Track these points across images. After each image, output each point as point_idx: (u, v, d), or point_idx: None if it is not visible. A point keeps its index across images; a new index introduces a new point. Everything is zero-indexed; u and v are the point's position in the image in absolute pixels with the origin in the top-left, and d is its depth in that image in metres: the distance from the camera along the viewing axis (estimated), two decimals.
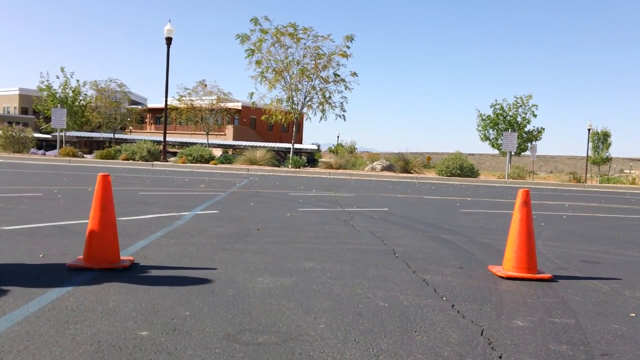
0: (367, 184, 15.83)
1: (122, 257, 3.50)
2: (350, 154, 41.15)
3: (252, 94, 25.55)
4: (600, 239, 5.92)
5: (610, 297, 3.25)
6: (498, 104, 31.48)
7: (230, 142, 47.67)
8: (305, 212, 7.15)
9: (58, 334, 2.19)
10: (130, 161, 22.93)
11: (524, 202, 3.65)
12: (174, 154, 31.78)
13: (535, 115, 31.00)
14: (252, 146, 30.14)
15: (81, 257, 3.42)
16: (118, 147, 27.05)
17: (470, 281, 3.49)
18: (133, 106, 49.76)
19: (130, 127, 57.09)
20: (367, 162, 26.82)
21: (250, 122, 57.23)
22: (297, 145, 35.51)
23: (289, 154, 26.33)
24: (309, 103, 25.94)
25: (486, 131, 32.24)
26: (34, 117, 58.15)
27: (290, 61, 25.11)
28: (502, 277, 3.61)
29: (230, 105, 44.86)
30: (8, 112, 67.47)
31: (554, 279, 3.66)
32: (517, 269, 3.62)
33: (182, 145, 41.22)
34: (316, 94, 25.73)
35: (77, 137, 44.34)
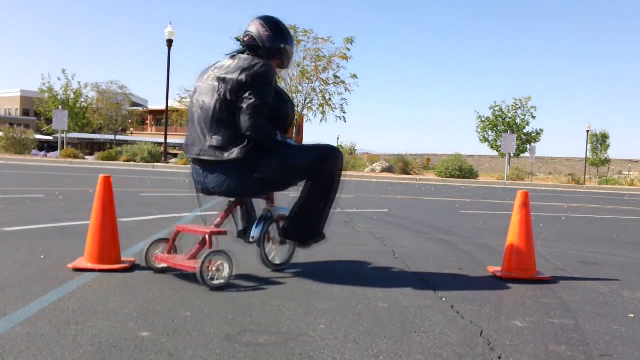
0: (367, 185, 15.84)
1: (123, 258, 3.51)
2: (350, 155, 41.21)
3: None
4: (599, 240, 5.93)
5: (609, 298, 3.27)
6: (497, 106, 31.57)
7: None
8: None
9: (59, 334, 2.20)
10: (132, 163, 22.96)
11: (523, 203, 3.66)
12: (175, 155, 31.80)
13: (534, 117, 31.10)
14: None
15: (82, 258, 3.44)
16: (119, 148, 27.09)
17: (469, 282, 3.51)
18: (134, 108, 49.87)
19: (131, 129, 57.15)
20: (367, 164, 26.87)
21: None
22: None
23: None
24: (309, 105, 25.97)
25: (485, 133, 32.31)
26: (35, 118, 58.22)
27: None
28: (501, 278, 3.62)
29: None
30: (9, 114, 67.56)
31: (553, 280, 3.68)
32: (516, 270, 3.63)
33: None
34: (316, 95, 25.75)
35: (78, 138, 44.39)
